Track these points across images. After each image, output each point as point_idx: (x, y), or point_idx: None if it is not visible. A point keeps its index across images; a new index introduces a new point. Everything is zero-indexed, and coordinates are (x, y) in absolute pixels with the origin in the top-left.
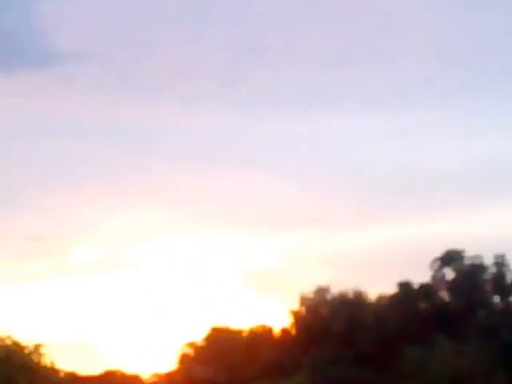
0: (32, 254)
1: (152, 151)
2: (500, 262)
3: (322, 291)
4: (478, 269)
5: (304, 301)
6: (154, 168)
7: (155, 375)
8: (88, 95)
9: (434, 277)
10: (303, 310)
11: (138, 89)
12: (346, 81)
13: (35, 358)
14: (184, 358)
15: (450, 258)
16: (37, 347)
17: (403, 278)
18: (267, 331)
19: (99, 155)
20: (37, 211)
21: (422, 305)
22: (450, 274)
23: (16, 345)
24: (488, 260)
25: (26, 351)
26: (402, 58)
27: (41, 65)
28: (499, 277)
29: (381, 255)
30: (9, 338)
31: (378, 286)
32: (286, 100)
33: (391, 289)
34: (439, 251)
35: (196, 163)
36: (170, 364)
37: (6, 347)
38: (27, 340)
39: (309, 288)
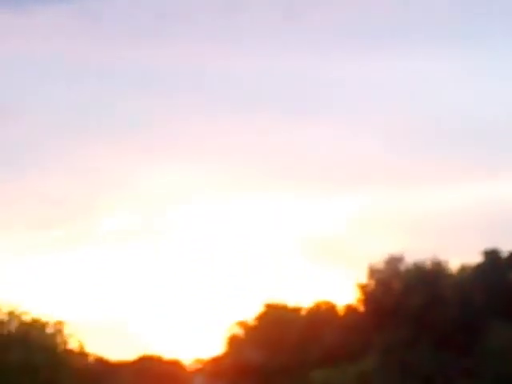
0: (53, 221)
1: (191, 98)
2: None
3: (394, 261)
4: None
5: (373, 273)
6: (194, 117)
7: (199, 361)
8: (115, 35)
9: None
10: (372, 283)
11: (174, 27)
12: (422, 15)
13: (57, 338)
14: (233, 341)
15: None
16: (58, 325)
17: (490, 245)
18: (330, 308)
19: (129, 104)
20: (59, 171)
21: None
22: None
23: (35, 322)
24: None
25: (47, 330)
26: None
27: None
28: None
29: (464, 219)
30: (26, 313)
31: (461, 255)
32: (350, 38)
33: (476, 258)
34: None
35: (244, 112)
36: (216, 347)
37: (24, 324)
38: (47, 317)
39: (379, 258)
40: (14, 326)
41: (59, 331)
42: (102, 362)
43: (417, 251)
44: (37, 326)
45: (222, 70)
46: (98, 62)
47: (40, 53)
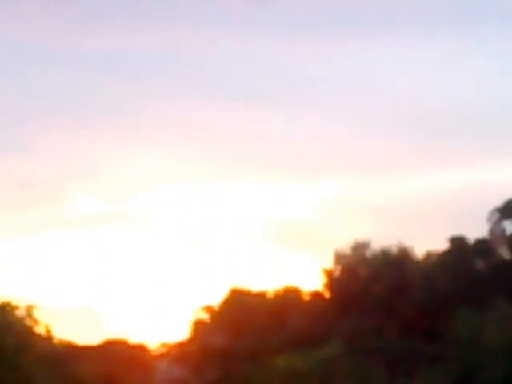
0: (23, 205)
1: (164, 84)
2: None
3: (360, 247)
4: None
5: (340, 258)
6: (167, 103)
7: (164, 345)
8: (85, 18)
9: (491, 231)
10: (338, 269)
11: (145, 10)
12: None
13: (27, 322)
14: (198, 325)
15: (511, 209)
16: (29, 309)
17: (456, 232)
18: (296, 294)
19: (100, 88)
20: (28, 154)
21: (478, 263)
22: (510, 227)
23: (5, 305)
24: None
25: (17, 313)
26: None
27: None
28: None
29: (430, 206)
30: None
31: (427, 242)
32: (325, 24)
33: (442, 245)
34: (498, 201)
35: (216, 99)
36: (181, 332)
37: None
38: (17, 300)
39: (345, 243)
40: None
41: (29, 315)
42: (67, 346)
43: (383, 237)
44: (5, 309)
45: (197, 56)
46: (71, 46)
47: (9, 35)
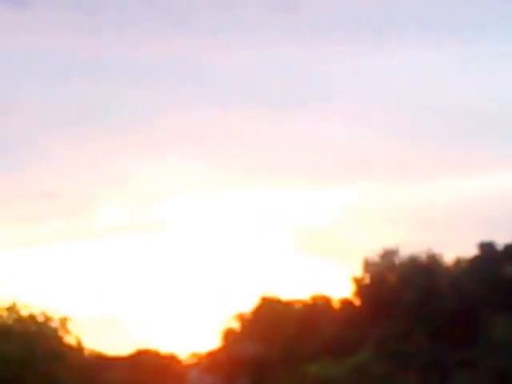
0: (47, 214)
1: (187, 91)
2: None
3: (389, 254)
4: None
5: (369, 266)
6: (191, 111)
7: (195, 355)
8: (113, 28)
9: None
10: (368, 276)
11: (167, 19)
12: (421, 4)
13: (59, 333)
14: (228, 334)
15: None
16: (63, 321)
17: (485, 237)
18: (326, 302)
19: (125, 97)
20: (53, 164)
21: (508, 269)
22: None
23: (35, 316)
24: None
25: (49, 324)
26: None
27: None
28: None
29: (459, 211)
30: (27, 307)
31: (456, 248)
32: (346, 29)
33: (471, 251)
34: None
35: (239, 105)
36: (211, 341)
37: (24, 318)
38: (51, 311)
39: (374, 251)
40: (13, 320)
41: (62, 326)
42: (98, 357)
43: (412, 244)
44: (37, 321)
45: (216, 65)
46: (94, 56)
47: (36, 47)
